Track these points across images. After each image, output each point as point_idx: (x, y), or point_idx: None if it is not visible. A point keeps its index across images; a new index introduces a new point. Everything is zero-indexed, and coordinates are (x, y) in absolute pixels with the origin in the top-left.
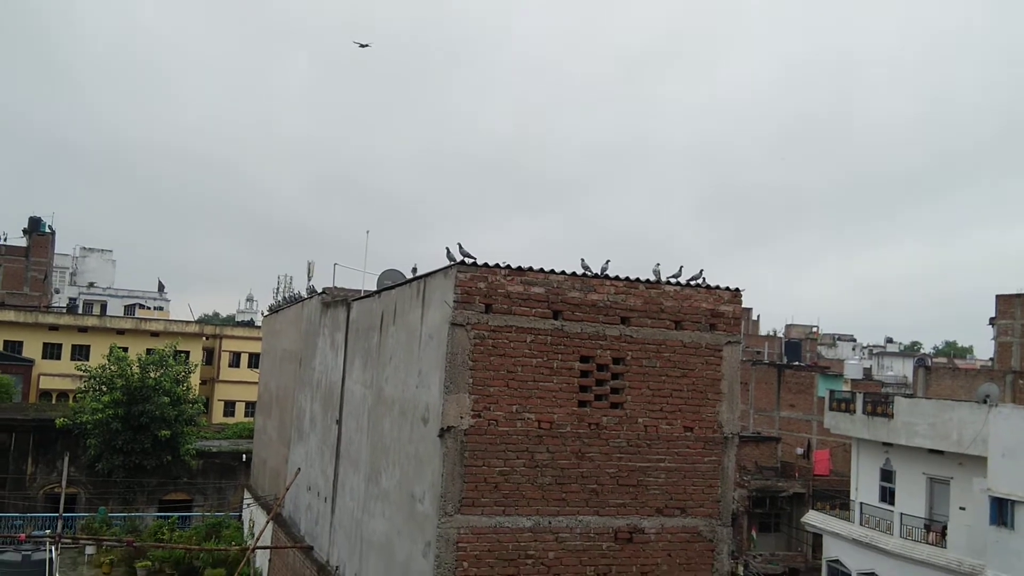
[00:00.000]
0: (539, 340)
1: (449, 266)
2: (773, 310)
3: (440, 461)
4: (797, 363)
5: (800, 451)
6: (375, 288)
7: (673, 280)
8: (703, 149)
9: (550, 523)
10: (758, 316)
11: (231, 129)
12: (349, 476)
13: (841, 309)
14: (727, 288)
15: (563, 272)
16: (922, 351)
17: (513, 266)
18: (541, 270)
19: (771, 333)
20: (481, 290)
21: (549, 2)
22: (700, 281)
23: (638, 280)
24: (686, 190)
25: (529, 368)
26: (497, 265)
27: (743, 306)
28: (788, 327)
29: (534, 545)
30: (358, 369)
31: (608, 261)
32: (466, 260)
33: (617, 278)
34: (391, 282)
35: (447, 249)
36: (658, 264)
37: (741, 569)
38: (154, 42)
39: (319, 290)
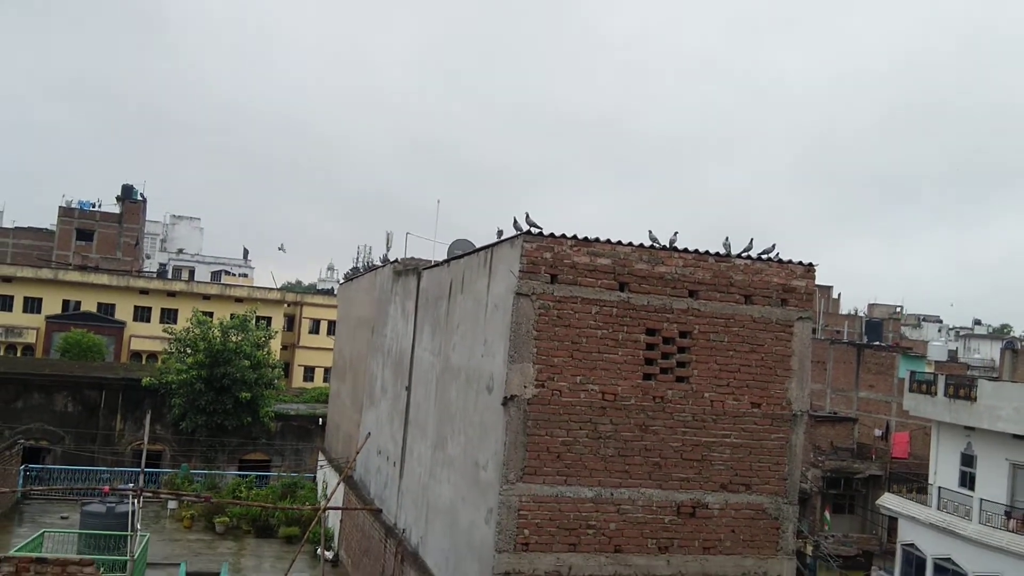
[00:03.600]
0: (604, 311)
1: (515, 236)
2: (865, 290)
3: (503, 429)
4: (878, 343)
5: (878, 432)
6: (446, 257)
7: (744, 254)
8: (813, 123)
9: (612, 494)
10: (839, 294)
11: (328, 95)
12: (417, 442)
13: (934, 291)
14: (800, 263)
15: (630, 243)
16: (1012, 334)
17: (579, 236)
18: (608, 241)
19: (853, 312)
20: (547, 260)
21: None
22: (772, 255)
23: (707, 253)
24: (793, 163)
25: (594, 339)
26: (563, 235)
27: (823, 284)
28: (871, 306)
29: (595, 516)
30: (427, 337)
31: (676, 233)
32: (532, 230)
33: (686, 250)
34: (461, 252)
35: (514, 219)
36: (727, 237)
37: (809, 549)
38: (254, 3)
39: (394, 260)
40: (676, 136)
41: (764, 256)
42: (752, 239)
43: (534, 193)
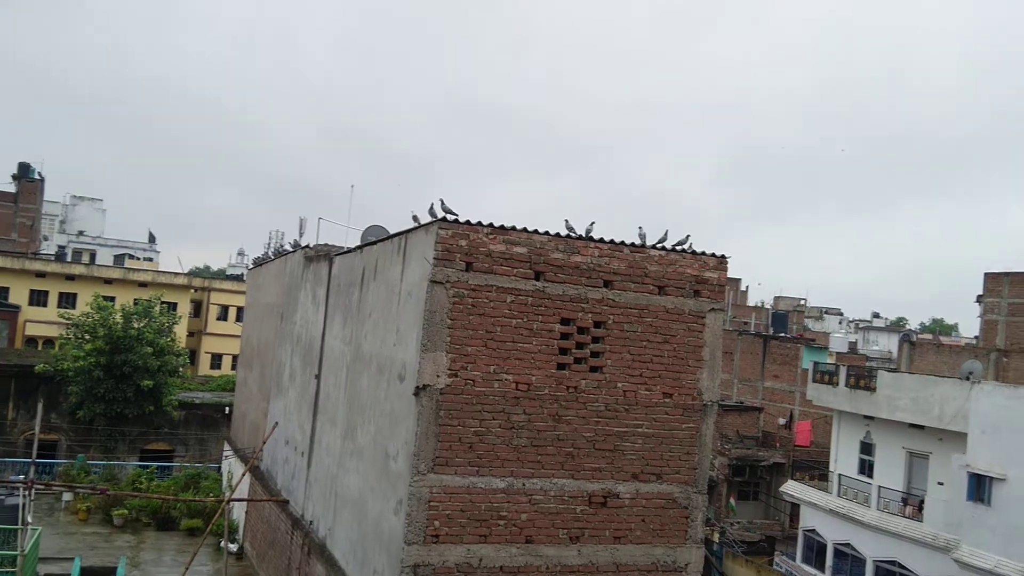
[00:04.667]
0: (519, 301)
1: (430, 222)
2: (772, 281)
3: (415, 419)
4: (783, 334)
5: (782, 421)
6: (359, 244)
7: (659, 245)
8: (729, 110)
9: (524, 485)
10: (747, 287)
11: (246, 77)
12: (326, 432)
13: (836, 283)
14: (712, 254)
15: (547, 232)
16: (908, 327)
17: (496, 224)
18: (524, 229)
19: (759, 304)
20: (462, 248)
21: None
22: (686, 246)
23: (622, 243)
24: (709, 154)
25: (508, 329)
26: (479, 223)
27: (732, 276)
28: (776, 299)
29: (507, 506)
30: (338, 325)
31: (593, 223)
32: (448, 217)
33: (602, 240)
34: (374, 238)
35: (431, 205)
36: (641, 227)
37: (716, 536)
38: None
39: (305, 245)
40: (600, 129)
41: (678, 247)
42: (667, 231)
43: (455, 183)
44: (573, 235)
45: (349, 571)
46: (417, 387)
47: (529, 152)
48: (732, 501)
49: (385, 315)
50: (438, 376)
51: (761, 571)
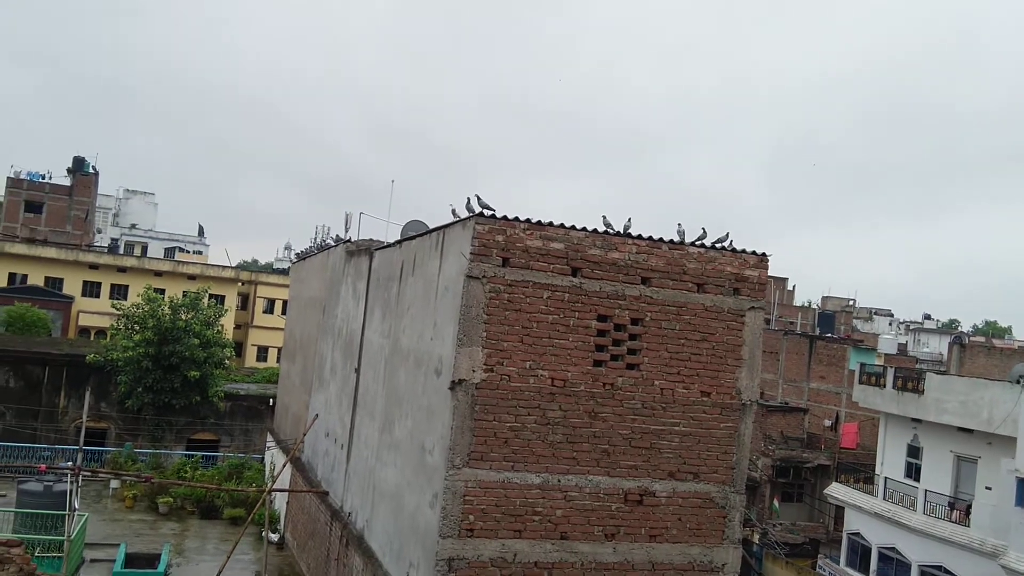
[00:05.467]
0: (556, 297)
1: (467, 218)
2: (820, 281)
3: (450, 414)
4: (830, 335)
5: (828, 423)
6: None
7: (698, 242)
8: (786, 110)
9: (559, 481)
10: (794, 286)
11: (294, 75)
12: (365, 425)
13: (887, 283)
14: (753, 252)
15: (584, 228)
16: (960, 329)
17: (533, 220)
18: (561, 225)
19: (806, 304)
20: (499, 243)
21: None
22: (726, 244)
23: (661, 240)
24: (761, 151)
25: (545, 324)
26: (516, 218)
27: (779, 275)
28: (824, 299)
29: (542, 502)
30: (377, 319)
31: (630, 219)
32: (485, 212)
33: (640, 237)
34: (414, 233)
35: (467, 199)
36: (680, 224)
37: (756, 537)
38: None
39: (347, 239)
40: (644, 127)
41: (718, 245)
42: (704, 228)
43: (498, 179)
44: (611, 231)
45: (386, 563)
46: (453, 381)
47: (574, 148)
48: (776, 503)
49: (423, 309)
50: (474, 371)
51: (801, 573)
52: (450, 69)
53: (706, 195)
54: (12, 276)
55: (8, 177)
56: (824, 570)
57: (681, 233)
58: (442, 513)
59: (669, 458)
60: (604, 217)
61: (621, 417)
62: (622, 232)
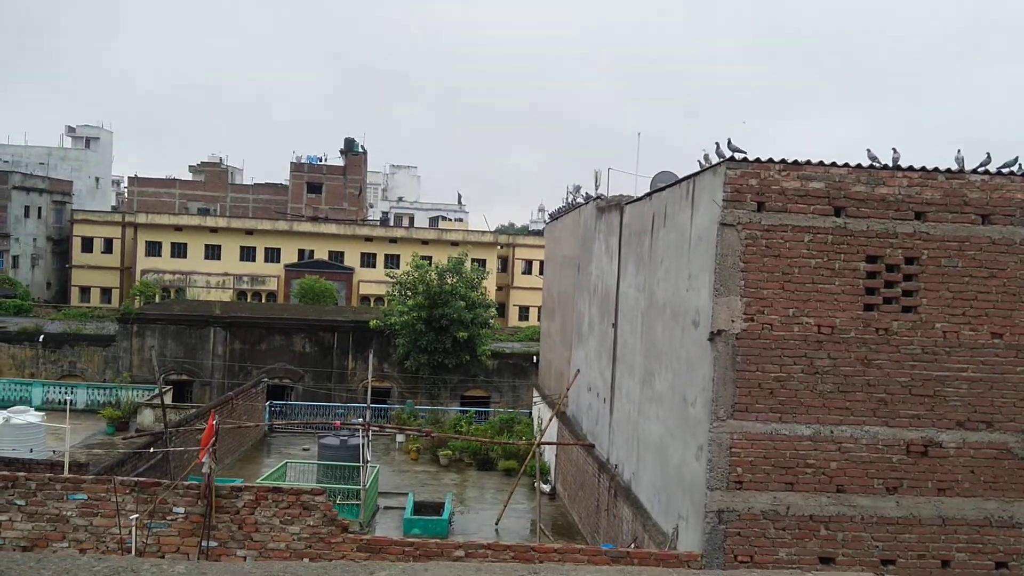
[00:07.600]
0: (818, 239)
1: (717, 163)
2: None
3: (711, 365)
4: None
5: None
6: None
7: (981, 169)
8: None
9: (832, 432)
10: None
11: (545, 34)
12: (625, 379)
13: None
14: None
15: (846, 164)
16: None
17: (788, 160)
18: (820, 163)
19: None
20: (753, 187)
21: None
22: (1014, 168)
23: (936, 169)
24: None
25: (807, 270)
26: (770, 160)
27: None
28: None
29: (814, 454)
30: (631, 273)
31: (896, 151)
32: (735, 156)
33: (911, 168)
34: (663, 184)
35: (716, 144)
36: (959, 151)
37: None
38: None
39: (596, 196)
40: (920, 45)
41: (1005, 170)
42: (988, 153)
43: (756, 120)
44: (877, 165)
45: (654, 515)
46: (712, 333)
47: (835, 81)
48: None
49: (677, 261)
50: (733, 321)
51: None
52: (704, 11)
53: (992, 116)
54: (301, 252)
55: (291, 163)
56: None
57: (960, 160)
58: (708, 465)
59: (956, 406)
60: (868, 150)
61: (898, 364)
62: (891, 165)
